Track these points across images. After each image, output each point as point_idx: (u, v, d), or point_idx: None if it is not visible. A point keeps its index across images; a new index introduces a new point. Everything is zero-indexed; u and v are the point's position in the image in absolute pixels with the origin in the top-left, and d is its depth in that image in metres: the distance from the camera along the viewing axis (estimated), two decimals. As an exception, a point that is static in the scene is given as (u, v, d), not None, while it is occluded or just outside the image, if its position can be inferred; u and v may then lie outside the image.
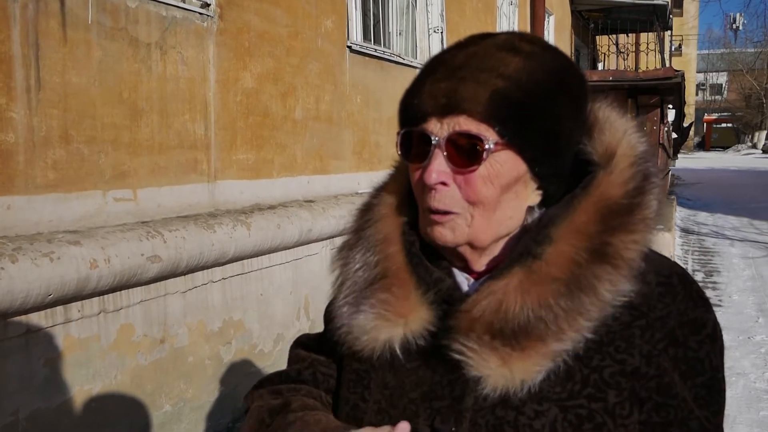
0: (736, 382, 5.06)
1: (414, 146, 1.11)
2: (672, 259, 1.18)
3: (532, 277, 1.06)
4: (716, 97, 62.52)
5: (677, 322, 1.09)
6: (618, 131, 1.15)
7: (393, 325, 1.14)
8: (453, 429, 1.09)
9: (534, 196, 1.13)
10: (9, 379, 2.85)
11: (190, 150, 3.92)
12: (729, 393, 5.30)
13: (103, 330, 3.28)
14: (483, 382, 1.05)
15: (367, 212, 1.27)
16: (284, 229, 4.37)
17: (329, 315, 1.29)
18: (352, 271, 1.22)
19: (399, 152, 1.15)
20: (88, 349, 3.20)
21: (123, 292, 3.37)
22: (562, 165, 1.12)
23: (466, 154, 1.06)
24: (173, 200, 3.80)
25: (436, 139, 1.07)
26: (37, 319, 2.95)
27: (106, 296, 3.27)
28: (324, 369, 1.34)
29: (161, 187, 3.72)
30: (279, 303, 4.61)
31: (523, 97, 1.05)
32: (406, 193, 1.23)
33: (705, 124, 59.56)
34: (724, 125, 59.48)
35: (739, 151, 52.47)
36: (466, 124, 1.06)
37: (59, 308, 3.05)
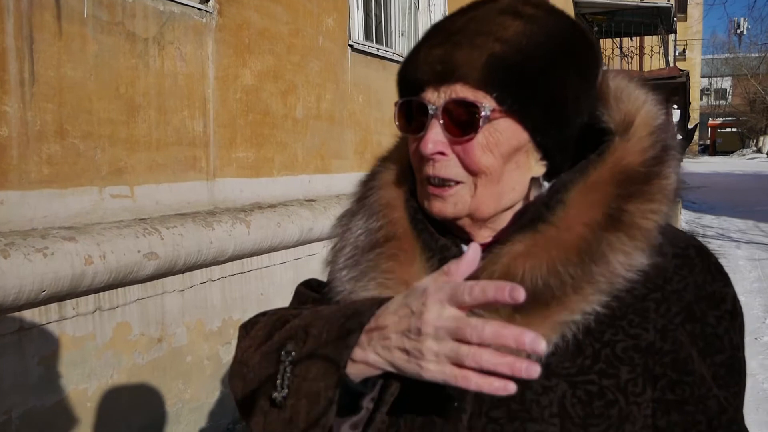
0: (743, 382, 4.96)
1: (412, 117, 1.07)
2: (689, 233, 1.13)
3: (542, 242, 1.01)
4: (721, 101, 62.47)
5: (694, 296, 1.03)
6: (638, 100, 1.10)
7: (393, 293, 1.06)
8: (455, 404, 1.03)
9: (538, 167, 1.08)
10: (2, 377, 2.80)
11: (188, 147, 3.87)
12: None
13: (98, 328, 3.22)
14: None
15: (369, 181, 1.23)
16: (285, 228, 4.32)
17: (318, 283, 1.25)
18: (354, 237, 1.17)
19: (397, 124, 1.10)
20: (83, 347, 3.15)
21: (119, 289, 3.32)
22: (567, 135, 1.06)
23: (462, 122, 1.01)
24: (171, 198, 3.75)
25: (433, 108, 1.02)
26: (30, 315, 2.90)
27: (101, 294, 3.22)
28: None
29: (159, 184, 3.67)
30: (280, 303, 4.51)
31: (522, 61, 1.00)
32: (409, 163, 1.18)
33: (710, 129, 59.52)
34: (728, 130, 59.46)
35: (743, 155, 52.41)
36: (462, 91, 1.01)
37: (53, 305, 3.00)
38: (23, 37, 2.94)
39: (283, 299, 4.51)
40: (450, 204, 1.06)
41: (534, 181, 1.09)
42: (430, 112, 1.03)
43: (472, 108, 1.00)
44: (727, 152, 56.06)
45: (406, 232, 1.13)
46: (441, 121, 1.02)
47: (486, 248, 1.09)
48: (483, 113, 1.00)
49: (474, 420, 1.02)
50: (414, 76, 1.06)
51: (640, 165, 1.04)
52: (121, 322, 3.35)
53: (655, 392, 1.01)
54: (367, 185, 1.23)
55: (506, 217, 1.10)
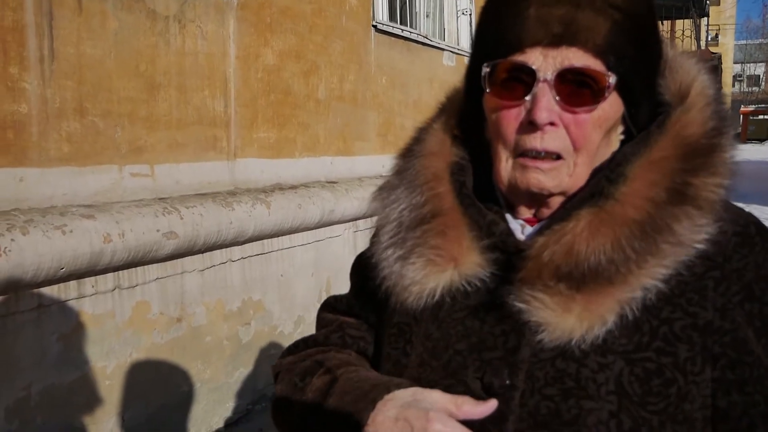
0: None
1: (504, 79, 1.00)
2: (746, 210, 1.08)
3: (605, 217, 0.98)
4: (753, 88, 61.50)
5: (754, 276, 0.99)
6: (692, 70, 1.07)
7: (441, 270, 1.05)
8: (507, 382, 0.99)
9: (617, 142, 1.06)
10: (21, 354, 2.82)
11: (209, 127, 3.85)
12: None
13: (117, 306, 3.23)
14: (543, 330, 0.96)
15: (410, 152, 1.17)
16: (306, 210, 4.30)
17: (367, 263, 1.18)
18: (397, 213, 1.12)
19: (487, 88, 1.02)
20: (102, 325, 3.15)
21: (138, 268, 3.32)
22: (649, 106, 1.04)
23: (580, 92, 0.97)
24: (192, 177, 3.74)
25: (544, 74, 0.96)
26: (49, 292, 2.91)
27: (120, 272, 3.22)
28: (353, 331, 1.25)
29: (179, 164, 3.66)
30: (300, 284, 4.54)
31: (636, 31, 0.98)
32: (454, 134, 1.15)
33: (741, 116, 58.61)
34: (761, 117, 58.48)
35: (776, 143, 51.57)
36: (579, 58, 0.96)
37: (72, 283, 3.00)
38: (42, 13, 2.93)
39: (303, 281, 4.51)
40: (550, 178, 1.01)
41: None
42: (541, 77, 0.97)
43: (595, 78, 0.96)
44: (759, 140, 55.21)
45: (452, 207, 1.09)
46: (553, 89, 0.97)
47: (537, 222, 1.08)
48: (608, 83, 0.96)
49: (526, 397, 0.99)
50: (516, 34, 0.98)
51: (702, 137, 1.01)
52: (140, 300, 3.35)
53: (714, 372, 0.98)
54: (407, 156, 1.17)
55: None
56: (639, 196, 0.98)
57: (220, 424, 3.88)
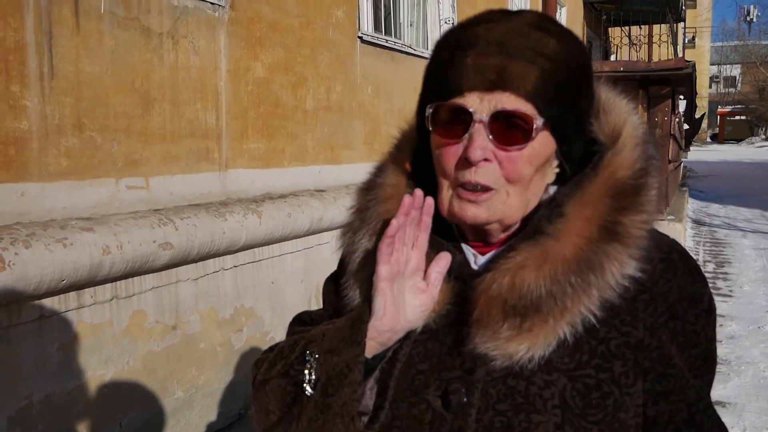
0: (745, 371, 5.07)
1: (446, 120, 1.09)
2: (671, 237, 1.21)
3: (544, 253, 1.08)
4: (730, 89, 62.18)
5: (678, 297, 1.12)
6: (623, 112, 1.17)
7: None
8: (464, 400, 1.11)
9: (552, 174, 1.15)
10: (23, 363, 2.89)
11: (201, 139, 3.95)
12: (738, 381, 5.30)
13: (115, 316, 3.32)
14: (494, 354, 1.08)
15: (369, 192, 1.25)
16: (295, 218, 4.40)
17: (334, 290, 1.29)
18: (361, 258, 1.21)
19: (430, 127, 1.12)
20: (100, 334, 3.24)
21: (135, 278, 3.41)
22: (580, 144, 1.15)
23: (511, 132, 1.06)
24: (185, 188, 3.83)
25: (479, 115, 1.06)
26: (50, 304, 2.99)
27: (118, 282, 3.31)
28: None
29: (173, 176, 3.75)
30: (290, 291, 4.64)
31: (564, 79, 1.07)
32: (409, 173, 1.23)
33: (719, 117, 59.23)
34: (737, 118, 59.13)
35: (752, 143, 52.15)
36: (511, 102, 1.05)
37: (72, 294, 3.09)
38: (42, 32, 3.02)
39: (293, 287, 4.61)
40: (484, 209, 1.10)
41: (546, 186, 1.17)
42: (476, 118, 1.06)
43: (525, 120, 1.05)
44: (736, 140, 55.82)
45: None
46: (488, 129, 1.06)
47: (484, 252, 1.18)
48: (535, 125, 1.05)
49: (482, 413, 1.10)
50: (457, 80, 1.08)
51: (631, 178, 1.12)
52: (137, 310, 3.44)
53: (645, 384, 1.11)
54: (367, 195, 1.25)
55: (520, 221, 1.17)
56: (574, 234, 1.08)
57: (214, 429, 3.97)
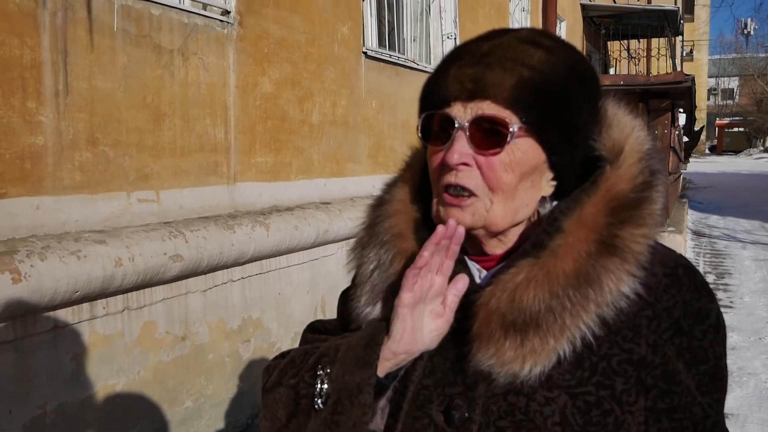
0: (747, 381, 5.12)
1: (435, 130, 1.14)
2: (677, 252, 1.21)
3: (544, 269, 1.09)
4: (728, 101, 62.38)
5: (682, 313, 1.12)
6: (626, 128, 1.18)
7: None
8: (466, 415, 1.13)
9: (547, 187, 1.16)
10: (37, 373, 2.95)
11: (210, 153, 4.02)
12: (740, 392, 5.33)
13: (126, 327, 3.38)
14: (495, 371, 1.09)
15: (378, 208, 1.29)
16: (301, 230, 4.47)
17: (347, 306, 1.31)
18: (369, 271, 1.24)
19: (420, 135, 1.17)
20: (112, 345, 3.30)
21: (146, 290, 3.47)
22: (576, 157, 1.15)
23: (489, 137, 1.09)
24: (194, 201, 3.90)
25: (460, 122, 1.10)
26: (64, 315, 3.05)
27: (129, 294, 3.37)
28: None
29: (183, 189, 3.82)
30: (297, 302, 4.71)
31: (546, 86, 1.09)
32: (417, 189, 1.26)
33: (717, 129, 59.37)
34: (735, 129, 59.26)
35: (751, 155, 52.22)
36: (490, 108, 1.09)
37: (85, 305, 3.15)
38: (58, 51, 3.09)
39: (299, 299, 4.67)
40: (467, 214, 1.12)
41: (542, 199, 1.18)
42: (457, 124, 1.10)
43: (500, 124, 1.08)
44: (734, 151, 55.94)
45: None
46: (468, 134, 1.10)
47: (490, 267, 1.21)
48: (510, 129, 1.08)
49: (483, 429, 1.12)
50: (443, 91, 1.13)
51: (631, 191, 1.12)
52: (147, 321, 3.50)
53: (647, 401, 1.11)
54: (376, 212, 1.29)
55: (516, 231, 1.18)
56: (572, 248, 1.09)
57: (222, 438, 4.03)
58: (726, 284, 8.79)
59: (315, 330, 1.42)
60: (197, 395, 3.85)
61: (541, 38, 1.15)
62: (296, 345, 4.29)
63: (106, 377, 3.28)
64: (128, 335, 3.39)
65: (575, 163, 1.16)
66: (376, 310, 1.22)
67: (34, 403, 2.94)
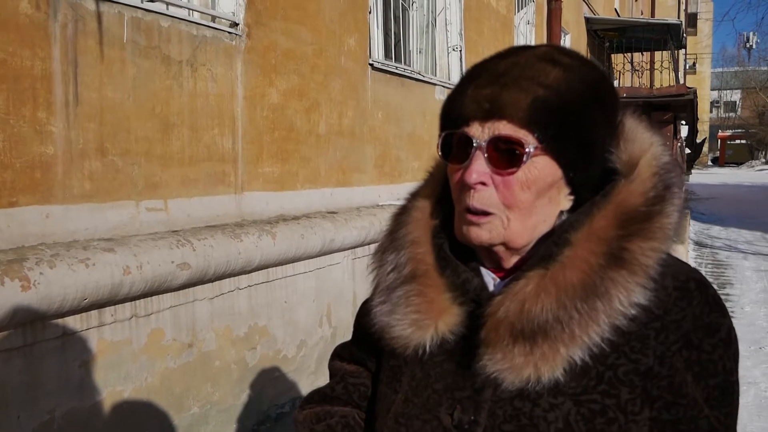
0: (747, 391, 5.15)
1: (455, 148, 1.16)
2: (690, 266, 1.20)
3: (551, 279, 1.10)
4: (730, 114, 62.47)
5: (692, 326, 1.11)
6: (644, 142, 1.18)
7: (424, 328, 1.20)
8: (472, 418, 1.15)
9: (566, 202, 1.18)
10: (46, 379, 2.98)
11: (218, 163, 4.06)
12: (740, 401, 5.39)
13: (134, 334, 3.41)
14: (502, 377, 1.10)
15: (400, 216, 1.33)
16: (308, 239, 4.50)
17: (364, 311, 1.37)
18: (385, 273, 1.27)
19: (440, 153, 1.19)
20: (120, 352, 3.33)
21: (154, 297, 3.50)
22: (593, 172, 1.16)
23: (506, 157, 1.10)
24: (202, 210, 3.94)
25: (478, 141, 1.11)
26: (72, 322, 3.08)
27: (137, 301, 3.40)
28: (353, 380, 1.47)
29: (191, 198, 3.86)
30: (302, 310, 4.74)
31: (561, 104, 1.10)
32: (438, 198, 1.29)
33: (719, 141, 59.48)
34: (738, 142, 59.37)
35: (753, 167, 52.30)
36: (506, 129, 1.10)
37: (94, 312, 3.17)
38: (68, 62, 3.13)
39: (305, 307, 4.70)
40: (485, 231, 1.14)
41: (560, 213, 1.18)
42: (475, 144, 1.11)
43: (517, 144, 1.09)
44: (736, 163, 56.01)
45: (430, 269, 1.23)
46: (485, 155, 1.11)
47: (505, 276, 1.23)
48: (526, 149, 1.09)
49: None
50: (460, 111, 1.14)
51: (642, 204, 1.12)
52: (155, 328, 3.53)
53: (652, 412, 1.11)
54: (398, 219, 1.33)
55: (532, 246, 1.19)
56: (581, 260, 1.10)
57: (227, 446, 4.05)
58: (727, 294, 8.84)
59: (338, 356, 1.55)
60: (204, 401, 3.87)
61: (560, 55, 1.16)
62: (302, 352, 4.33)
63: (114, 384, 3.30)
64: (136, 342, 3.42)
65: (592, 177, 1.17)
66: (387, 308, 1.25)
67: (43, 408, 2.96)
